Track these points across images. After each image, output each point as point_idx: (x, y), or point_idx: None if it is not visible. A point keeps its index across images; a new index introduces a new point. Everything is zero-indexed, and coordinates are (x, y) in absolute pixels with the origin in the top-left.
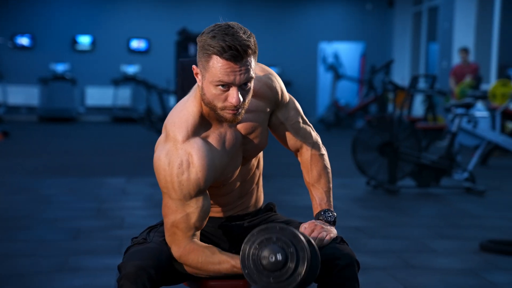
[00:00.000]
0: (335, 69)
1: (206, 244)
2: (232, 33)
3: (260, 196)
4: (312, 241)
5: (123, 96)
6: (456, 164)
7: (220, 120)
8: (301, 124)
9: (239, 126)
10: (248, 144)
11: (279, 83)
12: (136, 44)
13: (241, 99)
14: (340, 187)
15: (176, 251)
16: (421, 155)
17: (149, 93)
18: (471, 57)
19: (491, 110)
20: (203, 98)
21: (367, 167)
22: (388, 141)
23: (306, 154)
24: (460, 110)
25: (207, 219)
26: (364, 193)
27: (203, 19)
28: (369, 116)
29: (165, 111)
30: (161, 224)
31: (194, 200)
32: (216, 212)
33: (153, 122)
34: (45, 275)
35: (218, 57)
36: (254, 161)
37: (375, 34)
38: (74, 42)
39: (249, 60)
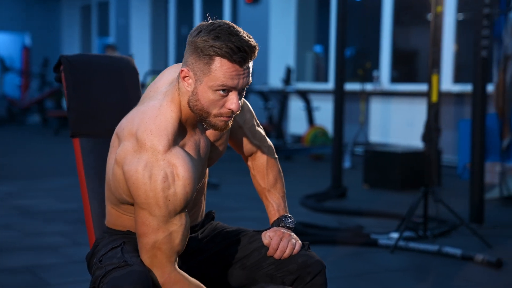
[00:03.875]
0: (2, 61)
1: (192, 278)
2: (236, 33)
3: (205, 205)
4: None
5: None
6: None
7: (200, 127)
8: (257, 127)
9: (208, 133)
10: (214, 151)
11: None
12: None
13: (240, 105)
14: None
15: (159, 276)
16: None
17: None
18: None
19: None
20: (193, 104)
21: None
22: None
23: (261, 158)
24: None
25: (187, 239)
26: None
27: None
28: (49, 111)
29: None
30: (125, 241)
31: (178, 217)
32: None
33: None
34: None
35: (225, 60)
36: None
37: (42, 26)
38: None
39: (251, 63)
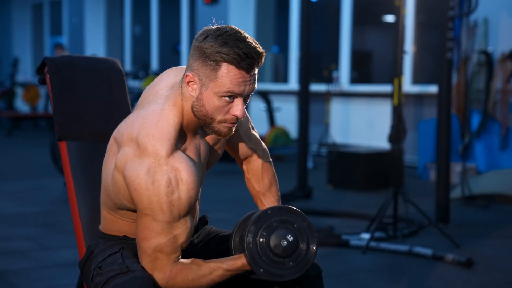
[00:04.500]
0: None
1: (189, 259)
2: (243, 39)
3: (198, 210)
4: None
5: None
6: None
7: (200, 131)
8: (252, 131)
9: (208, 138)
10: (212, 155)
11: None
12: None
13: (245, 111)
14: (38, 190)
15: (161, 278)
16: None
17: None
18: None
19: None
20: (198, 110)
21: None
22: None
23: (256, 162)
24: None
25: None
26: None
27: None
28: (1, 112)
29: None
30: (123, 247)
31: (182, 220)
32: None
33: None
34: None
35: (232, 66)
36: None
37: None
38: None
39: (257, 69)
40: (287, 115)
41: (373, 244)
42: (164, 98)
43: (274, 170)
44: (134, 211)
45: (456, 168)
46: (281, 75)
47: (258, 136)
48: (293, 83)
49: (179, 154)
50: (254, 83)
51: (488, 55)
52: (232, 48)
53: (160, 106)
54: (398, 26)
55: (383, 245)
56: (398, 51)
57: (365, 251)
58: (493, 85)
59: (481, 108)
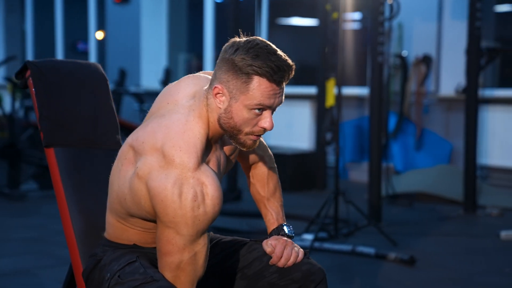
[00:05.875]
0: None
1: None
2: (274, 52)
3: None
4: None
5: None
6: None
7: (219, 142)
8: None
9: (225, 148)
10: (228, 165)
11: None
12: None
13: (273, 123)
14: None
15: None
16: (44, 156)
17: None
18: None
19: None
20: (225, 121)
21: None
22: (9, 143)
23: (263, 167)
24: None
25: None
26: None
27: None
28: None
29: None
30: (138, 256)
31: (202, 237)
32: None
33: None
34: None
35: (264, 79)
36: None
37: None
38: None
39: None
40: None
41: (316, 244)
42: (187, 108)
43: (278, 175)
44: (148, 220)
45: None
46: None
47: (265, 143)
48: None
49: (205, 168)
50: (282, 95)
51: (403, 59)
52: (264, 61)
53: (184, 117)
54: (327, 30)
55: (327, 245)
56: (337, 55)
57: (309, 251)
58: (408, 87)
59: (397, 110)
